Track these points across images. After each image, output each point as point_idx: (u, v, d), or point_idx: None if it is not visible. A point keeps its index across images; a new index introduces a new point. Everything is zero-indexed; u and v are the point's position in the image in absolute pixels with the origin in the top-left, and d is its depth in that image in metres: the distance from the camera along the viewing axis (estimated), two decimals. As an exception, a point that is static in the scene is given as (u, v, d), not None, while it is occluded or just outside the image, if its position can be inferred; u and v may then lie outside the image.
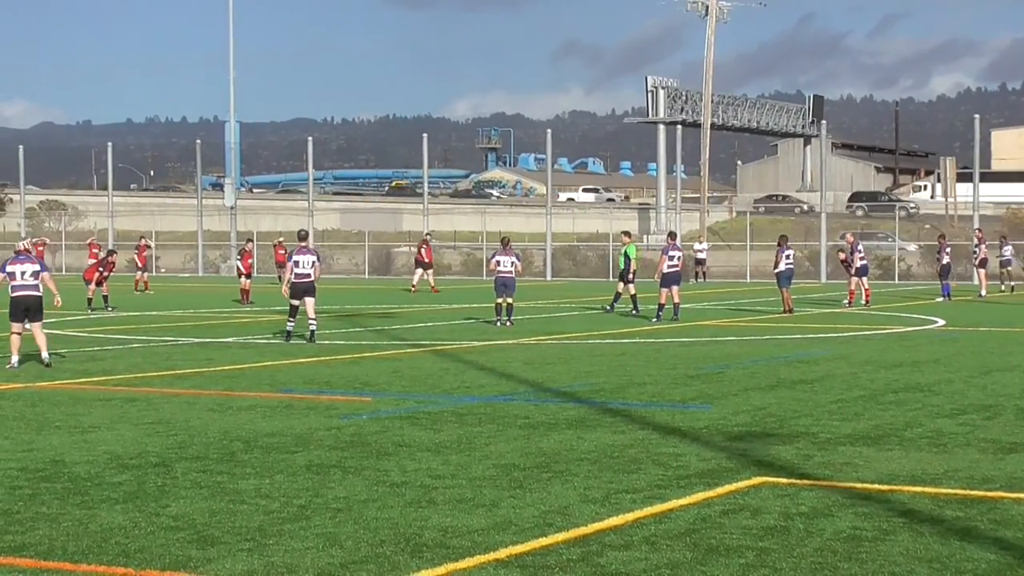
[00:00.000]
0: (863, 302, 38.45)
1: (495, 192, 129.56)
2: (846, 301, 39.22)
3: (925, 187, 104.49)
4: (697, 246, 62.16)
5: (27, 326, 21.12)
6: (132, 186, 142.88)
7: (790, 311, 34.54)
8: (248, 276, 42.42)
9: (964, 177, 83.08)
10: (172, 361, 22.32)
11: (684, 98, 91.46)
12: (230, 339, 27.08)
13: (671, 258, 32.68)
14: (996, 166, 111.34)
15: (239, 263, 44.37)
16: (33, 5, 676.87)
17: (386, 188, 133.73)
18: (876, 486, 10.98)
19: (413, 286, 49.39)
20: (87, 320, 33.29)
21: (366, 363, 21.96)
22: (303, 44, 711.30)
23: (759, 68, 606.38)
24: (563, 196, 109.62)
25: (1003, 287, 46.82)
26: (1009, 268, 47.78)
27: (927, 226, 73.64)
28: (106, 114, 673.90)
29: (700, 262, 61.07)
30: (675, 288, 32.59)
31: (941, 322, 31.50)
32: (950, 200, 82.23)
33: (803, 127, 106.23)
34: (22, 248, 21.80)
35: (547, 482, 11.20)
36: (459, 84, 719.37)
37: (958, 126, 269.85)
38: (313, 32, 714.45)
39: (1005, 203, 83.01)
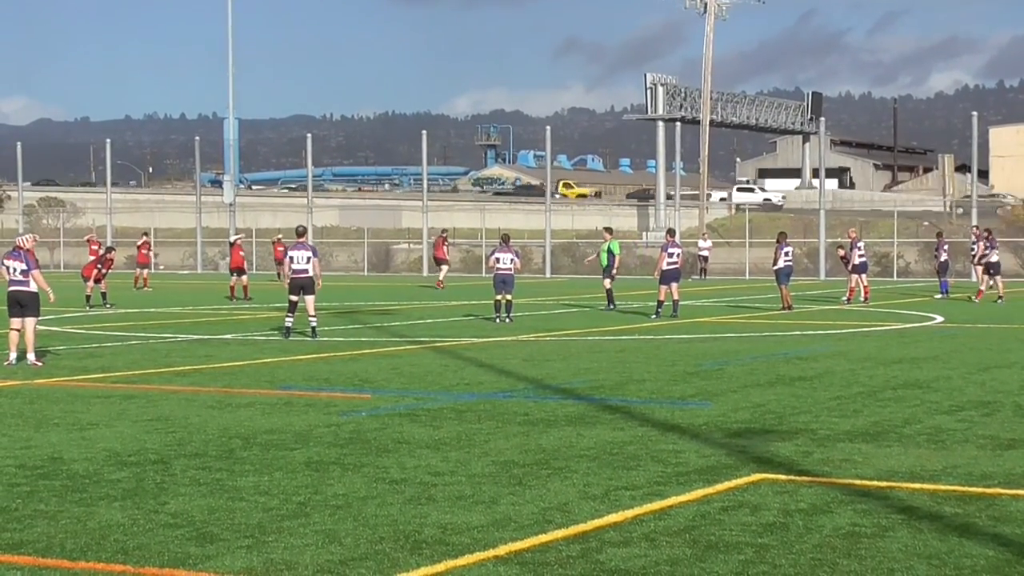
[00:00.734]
0: (862, 299, 38.46)
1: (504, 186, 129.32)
2: (845, 298, 39.23)
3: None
4: (701, 243, 62.22)
5: (22, 322, 21.13)
6: (131, 183, 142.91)
7: (789, 308, 34.55)
8: (237, 272, 42.42)
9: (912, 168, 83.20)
10: (171, 358, 22.32)
11: (683, 95, 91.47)
12: (229, 336, 27.08)
13: (670, 255, 32.66)
14: (994, 163, 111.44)
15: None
16: (32, 1, 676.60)
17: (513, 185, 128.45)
18: (875, 483, 10.98)
19: (439, 282, 49.59)
20: (85, 317, 33.28)
21: (365, 360, 21.95)
22: (302, 41, 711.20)
23: (759, 65, 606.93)
24: (716, 196, 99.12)
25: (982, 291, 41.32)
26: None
27: (925, 223, 73.64)
28: (104, 111, 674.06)
29: (703, 259, 61.11)
30: (674, 285, 32.57)
31: (939, 319, 31.51)
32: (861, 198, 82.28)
33: (802, 124, 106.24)
34: (18, 244, 21.81)
35: (546, 479, 11.20)
36: (459, 81, 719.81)
37: (956, 123, 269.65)
38: (312, 28, 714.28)
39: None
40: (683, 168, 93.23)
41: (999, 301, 38.09)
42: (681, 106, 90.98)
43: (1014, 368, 20.09)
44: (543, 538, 9.01)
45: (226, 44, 76.35)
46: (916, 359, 21.51)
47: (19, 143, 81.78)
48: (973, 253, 41.47)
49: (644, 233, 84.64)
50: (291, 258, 26.31)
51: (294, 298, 26.15)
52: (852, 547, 8.76)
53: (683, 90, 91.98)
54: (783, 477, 11.24)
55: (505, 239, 32.68)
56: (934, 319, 31.48)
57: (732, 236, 72.26)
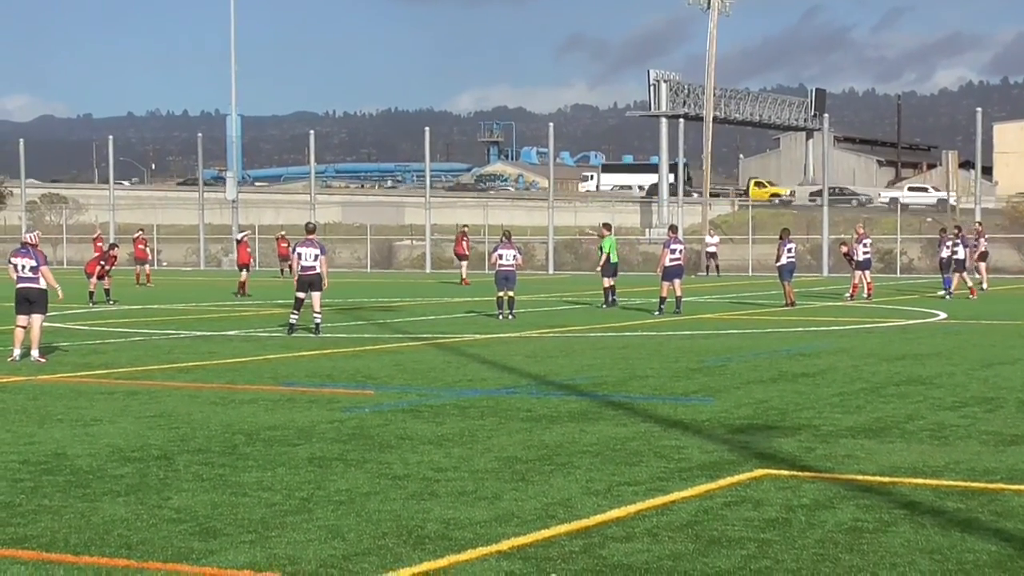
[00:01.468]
0: (865, 296, 38.46)
1: (509, 186, 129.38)
2: (848, 294, 39.22)
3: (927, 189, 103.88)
4: (708, 239, 62.25)
5: (29, 319, 21.15)
6: (134, 180, 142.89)
7: (792, 304, 34.54)
8: (244, 268, 42.64)
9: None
10: (174, 354, 22.33)
11: (686, 91, 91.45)
12: (232, 332, 27.10)
13: (672, 251, 32.69)
14: (998, 160, 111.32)
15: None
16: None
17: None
18: (878, 478, 10.99)
19: (464, 279, 50.08)
20: (88, 313, 33.31)
21: (368, 356, 21.97)
22: (305, 37, 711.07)
23: (763, 62, 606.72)
24: (885, 195, 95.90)
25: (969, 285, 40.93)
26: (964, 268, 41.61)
27: (929, 219, 73.58)
28: (107, 107, 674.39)
29: (712, 255, 61.12)
30: (677, 281, 32.59)
31: (943, 315, 31.50)
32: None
33: (805, 121, 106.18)
34: (26, 240, 21.84)
35: (549, 474, 11.21)
36: (462, 78, 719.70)
37: (960, 120, 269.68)
38: (315, 25, 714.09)
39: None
40: (686, 165, 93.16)
41: (947, 296, 38.74)
42: (684, 103, 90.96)
43: (1017, 364, 20.08)
44: (546, 533, 9.02)
45: (229, 41, 76.40)
46: (919, 355, 21.51)
47: (22, 140, 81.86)
48: (947, 256, 40.69)
49: (647, 230, 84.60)
50: (299, 255, 26.29)
51: (301, 295, 26.15)
52: (854, 542, 8.77)
53: (686, 87, 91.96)
54: (785, 473, 11.25)
55: (507, 235, 32.72)
56: (937, 315, 31.47)
57: (736, 232, 72.21)
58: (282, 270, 55.89)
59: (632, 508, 9.81)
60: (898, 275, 58.40)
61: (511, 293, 30.76)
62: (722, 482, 10.82)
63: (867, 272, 39.42)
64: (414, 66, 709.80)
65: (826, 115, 77.70)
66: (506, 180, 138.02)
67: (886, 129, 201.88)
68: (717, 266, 60.86)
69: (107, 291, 38.07)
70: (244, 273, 42.58)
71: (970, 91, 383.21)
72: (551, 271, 64.88)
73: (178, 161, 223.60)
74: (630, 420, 14.36)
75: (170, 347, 23.82)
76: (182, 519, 9.52)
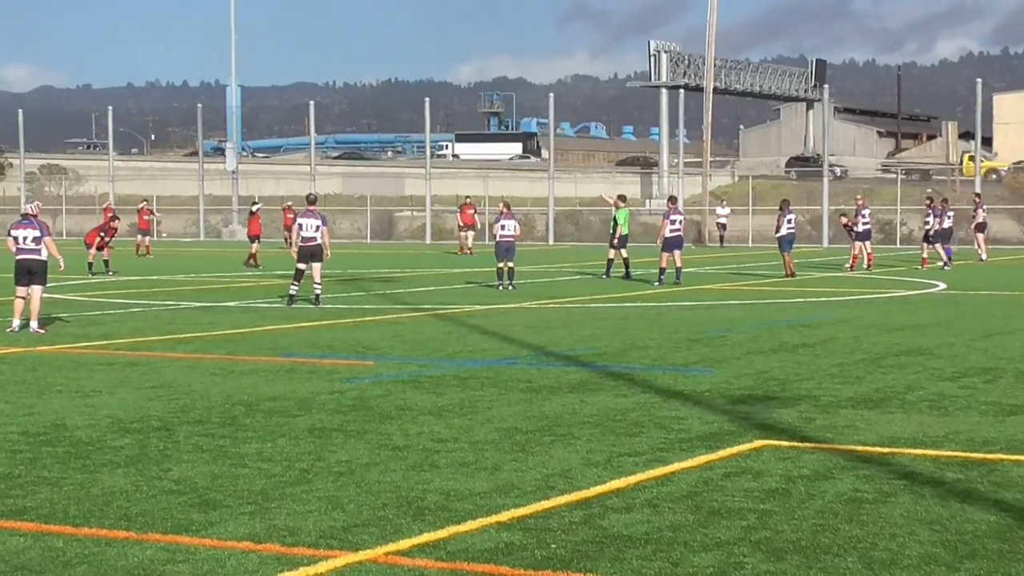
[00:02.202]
0: (865, 266, 38.44)
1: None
2: (848, 265, 39.21)
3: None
4: (720, 210, 62.19)
5: (29, 290, 21.13)
6: (133, 151, 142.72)
7: (792, 275, 34.53)
8: (254, 239, 42.71)
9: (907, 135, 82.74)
10: (174, 325, 22.33)
11: (687, 62, 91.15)
12: (232, 303, 27.09)
13: (672, 222, 32.70)
14: (997, 130, 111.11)
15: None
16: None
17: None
18: (877, 449, 10.99)
19: (469, 249, 50.41)
20: (88, 284, 33.29)
21: (368, 327, 21.96)
22: (305, 7, 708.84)
23: (765, 32, 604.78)
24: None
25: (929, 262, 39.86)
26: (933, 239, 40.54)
27: (929, 190, 73.50)
28: (106, 78, 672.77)
29: (722, 226, 61.11)
30: (677, 252, 32.60)
31: (942, 286, 31.49)
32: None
33: (805, 91, 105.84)
34: (27, 211, 21.81)
35: (549, 445, 11.21)
36: (463, 48, 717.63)
37: (960, 90, 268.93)
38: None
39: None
40: (687, 136, 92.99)
41: (922, 267, 38.73)
42: (685, 73, 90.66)
43: (1016, 335, 20.08)
44: (546, 504, 9.02)
45: (228, 10, 76.12)
46: (919, 326, 21.51)
47: (20, 110, 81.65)
48: (927, 226, 40.61)
49: (647, 201, 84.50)
50: (300, 225, 26.25)
51: (302, 266, 26.11)
52: (854, 513, 8.77)
53: (687, 57, 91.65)
54: (785, 443, 11.25)
55: (506, 206, 32.70)
56: (937, 286, 31.46)
57: (736, 204, 72.11)
58: (286, 239, 55.91)
59: (632, 479, 9.82)
60: (898, 246, 58.36)
61: (511, 264, 30.75)
62: (722, 453, 10.82)
63: (867, 243, 39.39)
64: (414, 36, 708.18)
65: (826, 86, 77.51)
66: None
67: (886, 100, 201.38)
68: (721, 237, 60.86)
69: (106, 262, 38.05)
70: (255, 245, 42.56)
71: (970, 61, 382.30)
72: (551, 242, 64.84)
73: (177, 132, 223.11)
74: (630, 391, 14.36)
75: (170, 318, 23.81)
76: (182, 490, 9.52)
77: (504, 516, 8.67)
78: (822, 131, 68.46)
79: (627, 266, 34.71)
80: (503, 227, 31.15)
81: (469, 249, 50.82)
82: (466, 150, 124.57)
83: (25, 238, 21.18)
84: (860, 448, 11.03)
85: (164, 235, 74.93)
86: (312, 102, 78.65)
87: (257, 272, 38.61)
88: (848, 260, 39.78)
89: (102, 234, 38.12)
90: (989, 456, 10.69)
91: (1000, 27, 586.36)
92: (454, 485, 9.65)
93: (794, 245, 36.28)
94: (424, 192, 70.42)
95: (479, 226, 54.65)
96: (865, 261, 38.74)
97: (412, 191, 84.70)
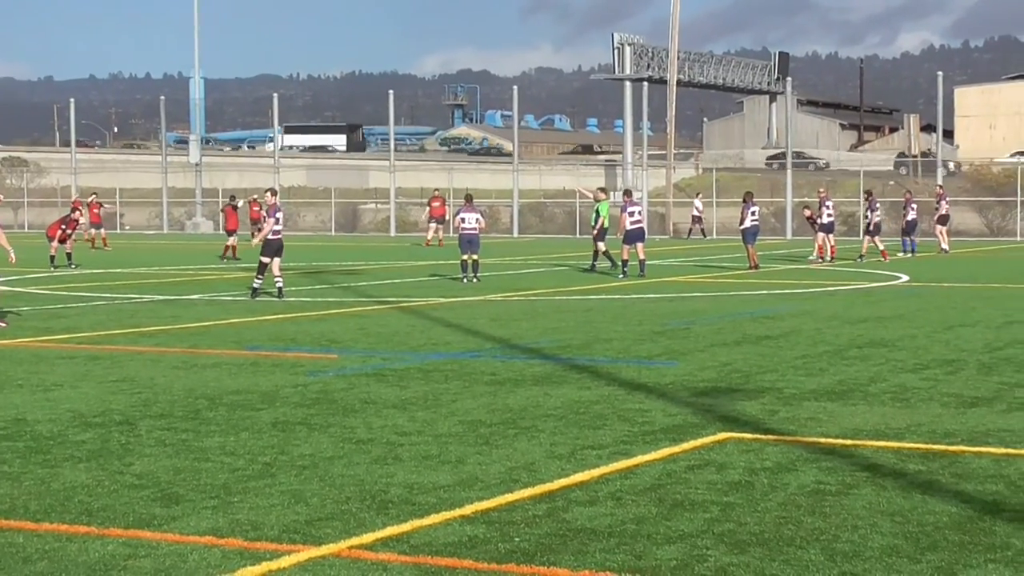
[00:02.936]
0: (828, 258, 38.59)
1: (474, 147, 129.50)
2: (812, 256, 39.36)
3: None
4: (697, 203, 62.11)
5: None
6: (96, 143, 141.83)
7: (756, 267, 34.64)
8: (231, 233, 42.67)
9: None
10: (137, 319, 22.21)
11: (650, 55, 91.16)
12: (195, 296, 26.97)
13: (631, 215, 32.69)
14: (959, 123, 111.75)
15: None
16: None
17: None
18: (840, 441, 11.03)
19: (439, 241, 50.45)
20: (50, 277, 33.08)
21: (332, 320, 21.91)
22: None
23: (730, 25, 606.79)
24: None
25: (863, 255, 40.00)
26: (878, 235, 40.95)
27: (891, 183, 73.83)
28: (68, 70, 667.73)
29: (697, 219, 61.07)
30: (639, 244, 32.64)
31: (905, 278, 31.65)
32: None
33: (769, 84, 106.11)
34: None
35: (513, 438, 11.20)
36: (427, 41, 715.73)
37: (922, 83, 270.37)
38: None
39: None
40: (650, 128, 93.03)
41: (859, 259, 38.99)
42: (648, 66, 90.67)
43: (978, 327, 20.20)
44: (509, 497, 9.01)
45: (191, 2, 75.73)
46: (882, 318, 21.60)
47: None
48: (867, 220, 41.31)
49: (611, 193, 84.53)
50: (277, 219, 26.31)
51: (266, 260, 26.07)
52: (817, 505, 8.80)
53: (650, 50, 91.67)
54: (749, 436, 11.28)
55: (469, 199, 32.68)
56: (900, 278, 31.62)
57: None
58: (253, 233, 55.81)
59: (596, 472, 9.82)
60: (860, 238, 58.50)
61: (475, 256, 30.74)
62: (685, 445, 10.84)
63: (830, 235, 39.55)
64: (378, 28, 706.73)
65: (789, 79, 77.81)
66: (470, 143, 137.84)
67: (849, 92, 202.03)
68: (691, 230, 60.83)
69: (69, 255, 37.83)
70: (233, 238, 42.47)
71: (931, 55, 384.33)
72: (516, 234, 64.83)
73: (140, 124, 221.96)
74: (594, 383, 14.37)
75: (133, 311, 23.69)
76: (144, 485, 9.47)
77: (468, 509, 8.66)
78: (785, 124, 68.65)
79: (595, 258, 34.60)
80: (463, 220, 31.14)
81: (439, 241, 50.88)
82: (294, 142, 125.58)
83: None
84: (823, 440, 11.07)
85: (127, 228, 74.56)
86: (276, 94, 78.39)
87: (237, 263, 38.53)
88: (812, 251, 39.93)
89: (63, 227, 37.89)
90: (951, 448, 10.75)
91: (961, 21, 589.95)
92: (418, 478, 9.63)
93: (758, 237, 36.39)
94: (388, 184, 70.27)
95: (448, 218, 54.65)
96: (828, 253, 38.90)
97: (376, 184, 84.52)
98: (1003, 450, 10.65)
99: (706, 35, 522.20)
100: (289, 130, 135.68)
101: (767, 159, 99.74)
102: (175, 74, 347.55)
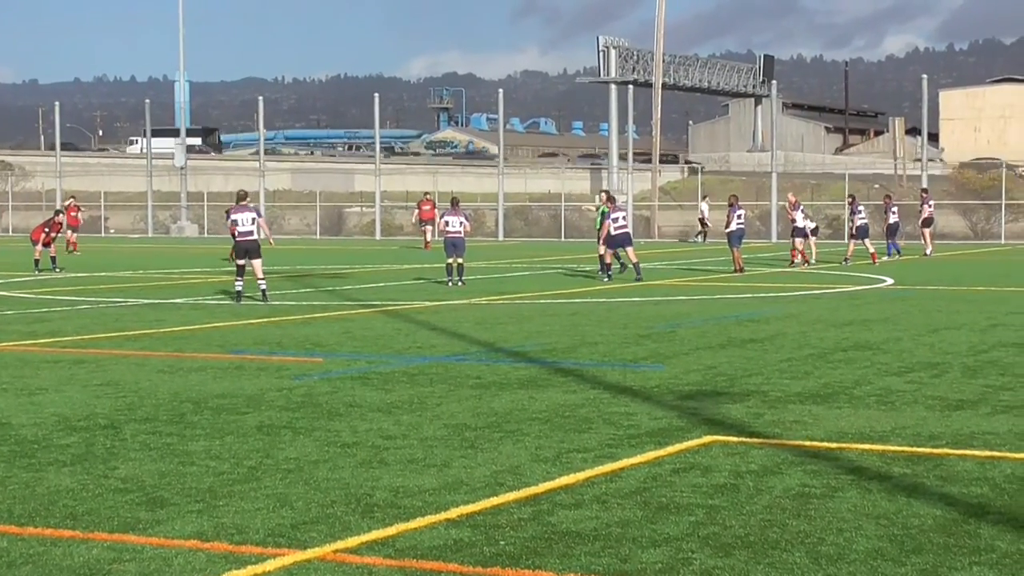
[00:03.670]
0: (800, 262, 38.51)
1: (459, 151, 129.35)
2: (801, 260, 39.46)
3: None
4: (703, 205, 61.85)
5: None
6: (82, 146, 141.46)
7: (741, 270, 34.69)
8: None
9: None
10: (122, 322, 22.17)
11: (636, 58, 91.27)
12: (180, 300, 26.93)
13: (615, 220, 32.51)
14: (944, 126, 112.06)
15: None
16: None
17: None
18: (825, 444, 11.05)
19: (427, 243, 50.64)
20: (34, 281, 33.01)
21: (317, 324, 21.89)
22: (254, 1, 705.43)
23: (716, 28, 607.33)
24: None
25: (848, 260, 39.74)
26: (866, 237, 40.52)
27: (876, 186, 73.99)
28: (53, 73, 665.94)
29: (703, 221, 60.89)
30: (629, 249, 32.59)
31: (890, 281, 31.72)
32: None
33: (754, 87, 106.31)
34: None
35: (498, 442, 11.20)
36: (413, 44, 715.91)
37: (907, 86, 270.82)
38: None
39: None
40: (636, 131, 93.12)
41: (845, 262, 38.97)
42: (634, 69, 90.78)
43: (962, 330, 20.24)
44: (495, 501, 9.01)
45: (176, 5, 75.63)
46: (866, 321, 21.64)
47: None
48: (851, 225, 41.63)
49: (596, 196, 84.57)
50: (234, 221, 26.27)
51: (241, 262, 26.07)
52: (802, 508, 8.81)
53: (636, 53, 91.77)
54: (734, 439, 11.29)
55: (454, 202, 32.65)
56: (884, 281, 31.68)
57: (684, 199, 72.42)
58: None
59: (581, 475, 9.82)
60: (846, 241, 58.59)
61: (460, 260, 30.72)
62: (671, 448, 10.85)
63: (804, 239, 39.55)
64: (364, 31, 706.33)
65: (774, 82, 77.83)
66: (456, 146, 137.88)
67: (834, 95, 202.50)
68: (699, 232, 60.69)
69: (53, 258, 37.76)
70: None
71: (916, 58, 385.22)
72: (501, 238, 64.85)
73: (126, 127, 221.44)
74: (579, 387, 14.37)
75: (117, 315, 23.64)
76: (129, 489, 9.46)
77: (453, 513, 8.66)
78: (770, 127, 68.76)
79: (602, 265, 33.45)
80: (448, 223, 31.13)
81: (427, 244, 51.04)
82: (156, 144, 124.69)
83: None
84: (808, 443, 11.08)
85: (112, 231, 74.42)
86: (261, 98, 78.29)
87: (203, 269, 38.43)
88: (811, 255, 40.06)
89: (47, 230, 37.82)
90: (935, 451, 10.77)
91: (946, 23, 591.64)
92: (403, 482, 9.63)
93: (743, 240, 36.44)
94: (374, 188, 70.24)
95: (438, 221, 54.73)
96: (800, 257, 38.86)
97: (362, 187, 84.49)
98: (988, 453, 10.68)
99: (692, 38, 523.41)
100: (155, 133, 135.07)
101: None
102: (160, 77, 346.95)
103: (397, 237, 66.44)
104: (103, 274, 36.01)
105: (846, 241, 41.39)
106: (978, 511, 8.72)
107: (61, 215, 41.78)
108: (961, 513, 8.66)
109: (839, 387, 14.30)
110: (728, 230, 35.67)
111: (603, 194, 36.08)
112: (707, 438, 11.30)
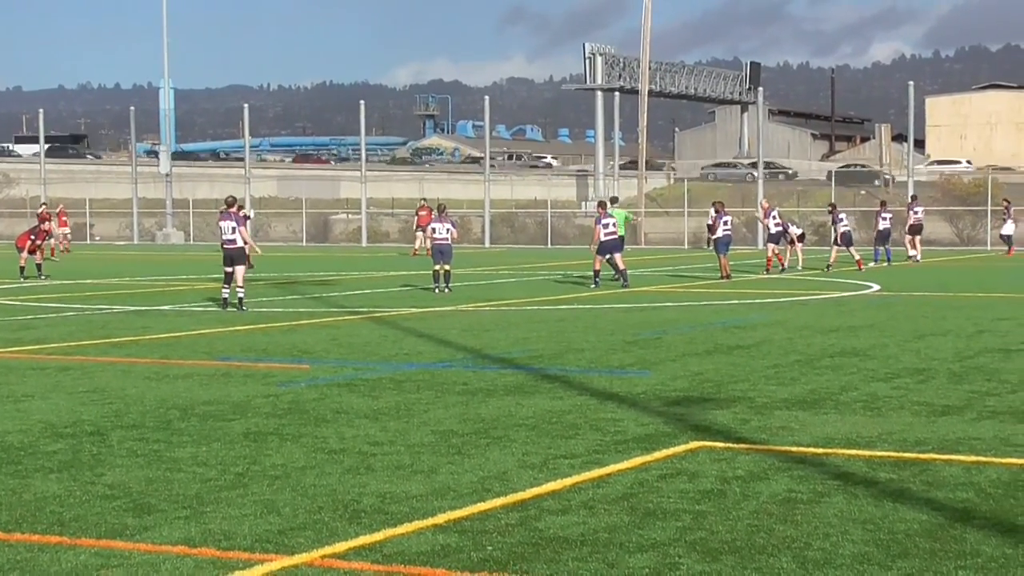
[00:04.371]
0: (779, 268, 38.48)
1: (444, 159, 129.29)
2: (800, 265, 39.64)
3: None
4: (712, 212, 61.68)
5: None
6: (70, 151, 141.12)
7: (728, 277, 34.73)
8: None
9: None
10: (108, 329, 22.14)
11: (622, 65, 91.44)
12: (166, 307, 26.90)
13: (605, 227, 32.61)
14: (930, 133, 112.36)
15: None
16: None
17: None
18: (811, 449, 11.07)
19: (418, 250, 50.66)
20: (20, 288, 32.94)
21: (304, 330, 21.87)
22: (239, 9, 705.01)
23: (702, 35, 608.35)
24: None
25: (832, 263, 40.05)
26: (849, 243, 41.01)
27: (863, 192, 74.15)
28: (37, 80, 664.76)
29: (711, 227, 60.75)
30: (618, 255, 32.63)
31: (876, 287, 31.78)
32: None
33: (740, 94, 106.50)
34: None
35: (485, 448, 11.21)
36: (400, 51, 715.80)
37: (893, 93, 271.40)
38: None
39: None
40: (622, 138, 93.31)
41: (828, 268, 38.97)
42: (620, 76, 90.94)
43: (948, 336, 20.29)
44: (482, 506, 9.02)
45: (161, 12, 75.56)
46: (853, 327, 21.69)
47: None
48: (834, 233, 41.84)
49: (582, 203, 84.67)
50: (220, 228, 26.34)
51: (228, 269, 26.06)
52: (788, 513, 8.83)
53: (622, 60, 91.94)
54: (721, 445, 11.31)
55: (441, 209, 32.65)
56: (871, 287, 31.74)
57: (671, 206, 72.50)
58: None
59: (568, 481, 9.84)
60: (830, 248, 58.67)
61: (447, 267, 30.73)
62: (658, 454, 10.86)
63: (776, 246, 39.57)
64: (349, 39, 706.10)
65: (760, 88, 78.05)
66: (442, 153, 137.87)
67: (820, 102, 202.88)
68: (708, 239, 60.58)
69: (39, 266, 37.67)
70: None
71: (902, 65, 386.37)
72: (487, 244, 64.85)
73: (110, 135, 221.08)
74: (566, 393, 14.39)
75: (103, 322, 23.61)
76: (116, 495, 9.45)
77: (440, 518, 8.67)
78: (757, 133, 68.91)
79: (619, 272, 32.44)
80: (434, 230, 31.16)
81: (417, 251, 51.04)
82: (24, 151, 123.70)
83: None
84: (794, 449, 11.11)
85: (98, 239, 74.29)
86: (246, 105, 78.21)
87: (188, 276, 38.39)
88: (797, 262, 40.12)
89: (32, 237, 37.73)
90: (921, 456, 10.80)
91: (932, 31, 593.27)
92: (390, 488, 9.63)
93: (730, 247, 36.50)
94: (360, 195, 70.22)
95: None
96: (778, 263, 38.88)
97: (347, 194, 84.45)
98: (973, 458, 10.71)
99: (678, 45, 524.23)
100: (19, 140, 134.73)
101: (713, 165, 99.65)
102: (145, 84, 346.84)
103: (383, 244, 66.42)
104: (89, 281, 35.95)
105: (830, 248, 41.51)
106: (964, 516, 8.74)
107: (48, 222, 41.70)
108: (947, 518, 8.69)
109: (825, 393, 14.32)
110: (715, 236, 35.73)
111: (611, 202, 36.07)
112: (694, 444, 11.32)
